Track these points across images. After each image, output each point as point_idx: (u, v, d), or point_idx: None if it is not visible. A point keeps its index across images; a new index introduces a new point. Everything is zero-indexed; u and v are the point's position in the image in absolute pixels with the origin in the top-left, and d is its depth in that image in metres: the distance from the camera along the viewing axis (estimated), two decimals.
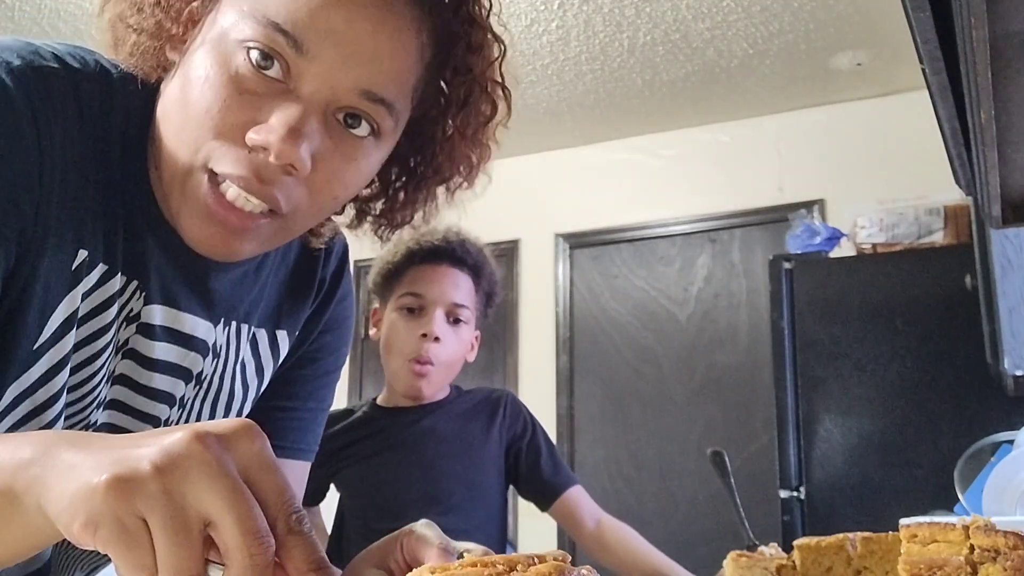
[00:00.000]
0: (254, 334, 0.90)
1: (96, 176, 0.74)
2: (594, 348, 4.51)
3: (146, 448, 0.47)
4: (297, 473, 0.99)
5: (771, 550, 0.95)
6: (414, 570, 0.53)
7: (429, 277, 1.77)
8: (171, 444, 0.47)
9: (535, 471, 1.85)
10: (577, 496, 1.83)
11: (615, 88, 4.08)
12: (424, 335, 1.73)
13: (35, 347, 0.72)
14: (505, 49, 0.80)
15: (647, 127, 4.48)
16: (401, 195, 0.86)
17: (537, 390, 4.31)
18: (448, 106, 0.80)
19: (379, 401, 1.88)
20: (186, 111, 0.71)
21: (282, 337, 0.93)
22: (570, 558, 0.53)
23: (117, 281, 0.76)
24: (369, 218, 0.88)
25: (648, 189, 4.52)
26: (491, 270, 1.88)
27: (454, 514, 1.70)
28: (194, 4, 0.73)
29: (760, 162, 4.30)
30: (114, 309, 0.77)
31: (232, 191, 0.71)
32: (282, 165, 0.70)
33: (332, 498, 1.85)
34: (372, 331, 1.86)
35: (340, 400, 5.65)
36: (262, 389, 0.94)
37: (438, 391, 1.83)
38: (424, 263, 1.78)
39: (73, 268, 0.73)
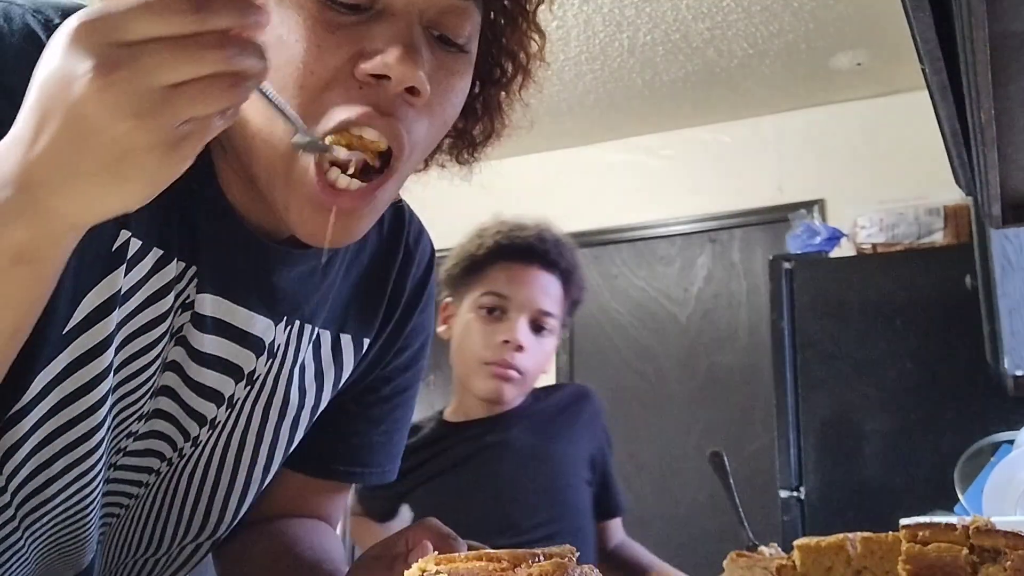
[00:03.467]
0: (318, 335, 0.84)
1: None
2: (594, 348, 4.50)
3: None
4: (346, 491, 0.98)
5: (771, 550, 0.95)
6: (420, 560, 0.53)
7: (518, 278, 1.57)
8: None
9: (604, 490, 1.65)
10: (616, 525, 1.70)
11: (615, 88, 4.08)
12: (506, 341, 1.53)
13: (64, 332, 0.66)
14: None
15: (647, 127, 4.48)
16: (478, 106, 0.79)
17: None
18: (508, 12, 0.75)
19: (446, 416, 1.67)
20: (277, 77, 0.63)
21: (346, 342, 0.86)
22: (577, 554, 0.53)
23: (173, 267, 0.71)
24: (447, 141, 0.80)
25: (648, 189, 4.52)
26: (582, 275, 1.71)
27: (534, 536, 1.50)
28: None
29: (760, 162, 4.30)
30: (171, 296, 0.72)
31: (342, 179, 0.64)
32: (403, 92, 0.63)
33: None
34: (441, 328, 1.63)
35: None
36: (322, 401, 0.87)
37: (517, 400, 1.63)
38: (513, 261, 1.58)
39: (114, 249, 0.67)
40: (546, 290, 1.59)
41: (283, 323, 0.79)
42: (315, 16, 0.63)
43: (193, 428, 0.80)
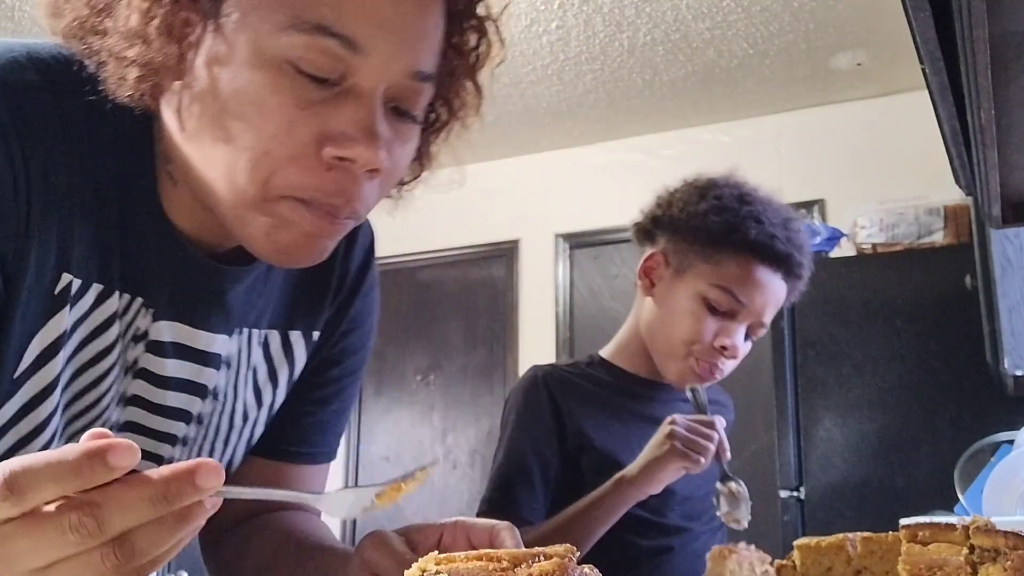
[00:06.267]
0: (266, 337, 0.87)
1: (84, 195, 0.70)
2: (594, 348, 4.50)
3: None
4: (316, 474, 0.97)
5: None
6: (420, 560, 0.53)
7: (759, 284, 1.41)
8: None
9: None
10: None
11: (615, 88, 4.08)
12: (725, 348, 1.43)
13: (15, 376, 0.69)
14: None
15: (647, 127, 4.48)
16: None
17: None
18: (457, 55, 0.77)
19: (611, 359, 1.57)
20: (243, 140, 0.66)
21: (295, 338, 0.89)
22: (578, 553, 0.53)
23: (115, 300, 0.73)
24: None
25: (648, 189, 4.50)
26: (806, 281, 1.51)
27: (700, 526, 1.48)
28: (192, 20, 0.65)
29: (760, 162, 4.29)
30: (115, 329, 0.74)
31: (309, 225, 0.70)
32: (367, 172, 0.68)
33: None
34: (641, 282, 1.52)
35: None
36: (278, 397, 0.90)
37: None
38: (761, 262, 1.41)
39: (56, 293, 0.69)
40: (777, 301, 1.45)
41: (234, 334, 0.83)
42: (287, 90, 0.65)
43: (166, 450, 0.83)
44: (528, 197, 4.73)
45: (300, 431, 0.94)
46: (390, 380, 4.93)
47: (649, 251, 1.53)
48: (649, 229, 1.55)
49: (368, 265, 0.95)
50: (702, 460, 1.32)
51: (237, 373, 0.85)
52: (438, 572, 0.51)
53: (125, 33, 0.64)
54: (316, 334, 0.91)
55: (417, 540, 0.74)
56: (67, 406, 0.74)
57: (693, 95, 4.14)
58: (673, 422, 1.35)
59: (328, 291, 0.91)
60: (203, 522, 0.52)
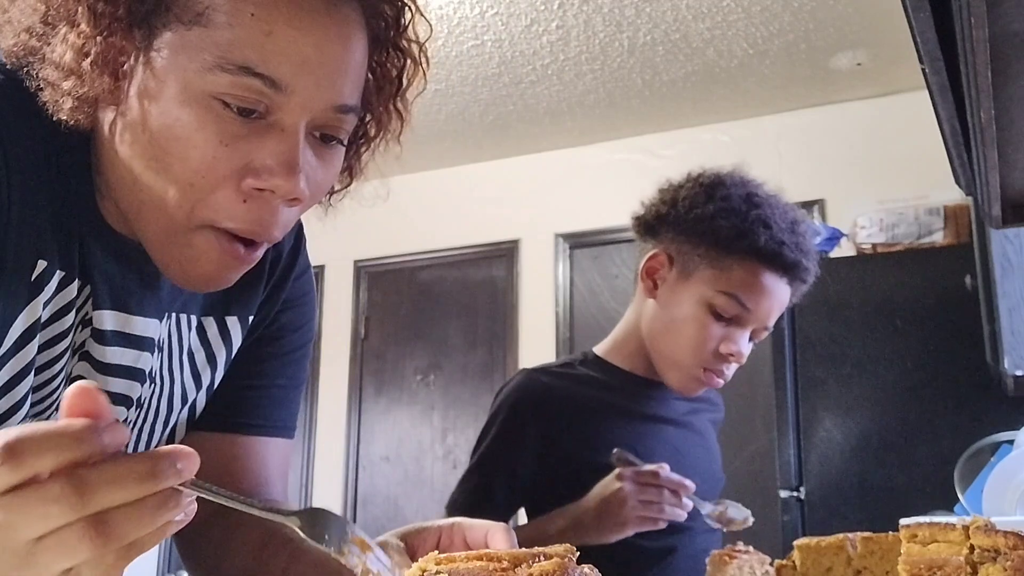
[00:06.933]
0: (200, 323, 0.90)
1: (50, 184, 0.74)
2: None
3: None
4: (274, 450, 0.98)
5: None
6: (420, 560, 0.53)
7: (766, 291, 1.39)
8: None
9: None
10: None
11: (615, 88, 4.08)
12: (731, 355, 1.40)
13: None
14: (418, 18, 0.81)
15: (647, 127, 4.48)
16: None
17: None
18: (383, 77, 0.81)
19: (606, 357, 1.54)
20: (171, 172, 0.70)
21: (232, 323, 0.92)
22: (577, 553, 0.53)
23: (75, 287, 0.76)
24: None
25: (648, 189, 4.50)
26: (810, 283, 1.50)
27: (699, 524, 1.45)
28: (126, 50, 0.70)
29: (760, 162, 4.27)
30: (72, 314, 0.77)
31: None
32: (286, 201, 0.72)
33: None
34: (643, 283, 1.49)
35: (339, 403, 5.61)
36: (217, 379, 0.93)
37: None
38: (771, 271, 1.39)
39: (33, 279, 0.72)
40: (782, 305, 1.43)
41: (163, 319, 0.86)
42: (211, 126, 0.69)
43: None
44: (528, 197, 4.73)
45: (249, 404, 0.96)
46: (390, 380, 4.93)
47: (651, 249, 1.50)
48: (652, 225, 1.52)
49: (299, 248, 0.98)
50: (661, 521, 1.29)
51: (171, 357, 0.88)
52: (438, 572, 0.51)
53: (60, 66, 0.68)
54: (251, 318, 0.94)
55: (415, 542, 0.74)
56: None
57: (693, 95, 4.14)
58: (621, 490, 1.29)
59: (262, 276, 0.94)
60: (181, 518, 0.52)
